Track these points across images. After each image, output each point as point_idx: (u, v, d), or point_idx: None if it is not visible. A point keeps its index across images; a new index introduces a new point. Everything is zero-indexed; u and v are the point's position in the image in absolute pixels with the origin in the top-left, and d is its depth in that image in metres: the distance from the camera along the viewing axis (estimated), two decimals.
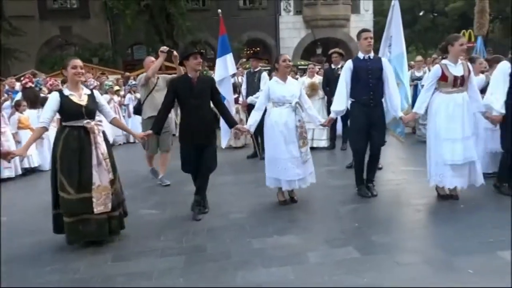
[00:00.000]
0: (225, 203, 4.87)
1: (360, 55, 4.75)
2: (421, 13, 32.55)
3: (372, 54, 4.73)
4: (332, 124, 6.03)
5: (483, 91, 4.87)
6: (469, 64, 4.60)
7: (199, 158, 4.38)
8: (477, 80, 5.42)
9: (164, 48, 5.50)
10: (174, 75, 5.75)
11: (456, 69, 4.40)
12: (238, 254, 3.53)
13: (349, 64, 4.74)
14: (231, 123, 4.65)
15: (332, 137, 7.95)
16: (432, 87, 4.51)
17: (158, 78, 5.75)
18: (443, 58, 4.81)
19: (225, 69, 6.95)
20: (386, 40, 5.86)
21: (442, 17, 31.43)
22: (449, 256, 3.28)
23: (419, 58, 9.45)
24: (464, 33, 16.00)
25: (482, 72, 5.69)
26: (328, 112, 6.68)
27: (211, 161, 4.45)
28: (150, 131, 4.36)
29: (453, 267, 3.10)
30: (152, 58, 5.87)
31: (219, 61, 7.02)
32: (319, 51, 22.29)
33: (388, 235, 3.75)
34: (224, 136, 7.13)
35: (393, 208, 4.57)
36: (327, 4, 23.40)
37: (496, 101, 4.39)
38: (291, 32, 23.94)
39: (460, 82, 4.38)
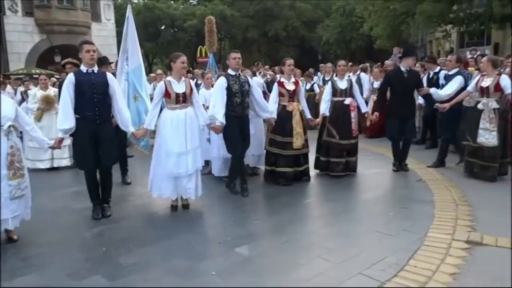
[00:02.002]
0: None
1: (83, 68, 4.41)
2: (162, 27, 34.33)
3: (96, 68, 4.47)
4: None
5: None
6: (191, 81, 4.92)
7: None
8: (208, 93, 6.02)
9: None
10: None
11: (179, 86, 4.62)
12: None
13: (70, 77, 4.35)
14: None
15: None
16: (159, 103, 4.66)
17: None
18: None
19: None
20: (123, 53, 5.76)
21: (182, 33, 34.08)
22: (194, 262, 3.44)
23: (159, 71, 9.83)
24: (200, 49, 17.68)
25: (213, 86, 6.32)
26: None
27: None
28: None
29: (198, 273, 3.25)
30: None
31: None
32: (58, 59, 20.23)
33: (137, 254, 3.65)
34: None
35: (139, 224, 4.52)
36: (63, 8, 21.62)
37: (218, 113, 4.87)
38: (22, 35, 20.94)
39: (182, 99, 4.63)
